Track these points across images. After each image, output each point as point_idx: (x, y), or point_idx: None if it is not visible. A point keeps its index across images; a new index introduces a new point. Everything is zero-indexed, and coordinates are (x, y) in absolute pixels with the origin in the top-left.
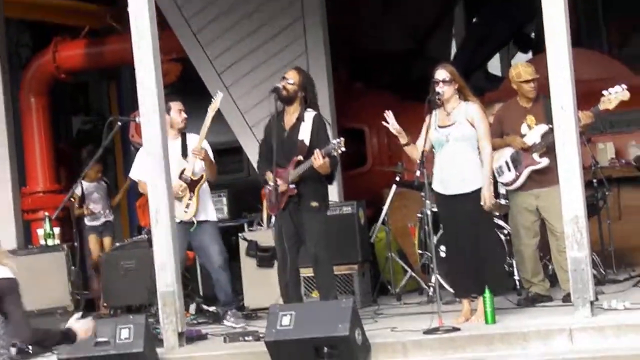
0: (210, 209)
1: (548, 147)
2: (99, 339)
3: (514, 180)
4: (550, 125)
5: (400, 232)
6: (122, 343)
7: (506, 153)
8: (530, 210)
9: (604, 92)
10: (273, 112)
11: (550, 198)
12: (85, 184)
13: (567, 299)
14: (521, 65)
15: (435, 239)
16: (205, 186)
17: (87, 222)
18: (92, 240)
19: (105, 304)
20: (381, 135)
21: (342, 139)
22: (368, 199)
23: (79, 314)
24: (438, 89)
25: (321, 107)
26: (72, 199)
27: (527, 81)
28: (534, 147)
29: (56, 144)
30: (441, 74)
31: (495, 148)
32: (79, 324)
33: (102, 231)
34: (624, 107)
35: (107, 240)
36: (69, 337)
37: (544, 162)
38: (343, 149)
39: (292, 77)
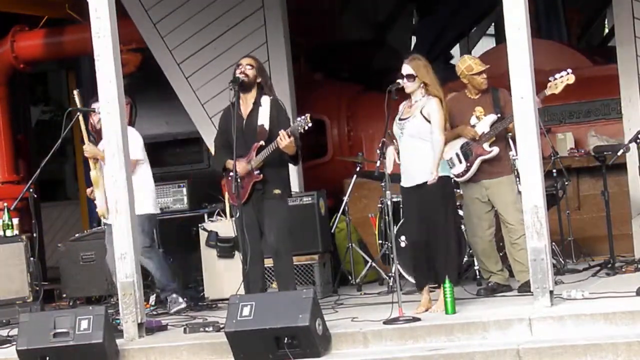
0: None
1: (497, 136)
2: (58, 330)
3: (465, 172)
4: (499, 115)
5: (361, 222)
6: (81, 334)
7: (456, 145)
8: (483, 201)
9: (550, 77)
10: (232, 101)
11: (499, 189)
12: None
13: (522, 289)
14: (469, 58)
15: (395, 229)
16: (141, 179)
17: None
18: None
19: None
20: (342, 126)
21: (308, 114)
22: (329, 190)
23: None
24: (399, 81)
25: (281, 98)
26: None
27: (479, 73)
28: (483, 137)
29: (15, 135)
30: (405, 68)
31: (446, 140)
32: None
33: None
34: (584, 98)
35: None
36: None
37: (494, 151)
38: (310, 124)
39: (250, 63)
